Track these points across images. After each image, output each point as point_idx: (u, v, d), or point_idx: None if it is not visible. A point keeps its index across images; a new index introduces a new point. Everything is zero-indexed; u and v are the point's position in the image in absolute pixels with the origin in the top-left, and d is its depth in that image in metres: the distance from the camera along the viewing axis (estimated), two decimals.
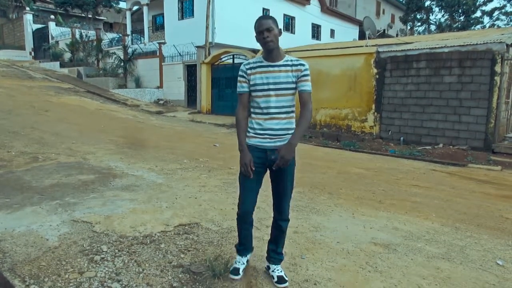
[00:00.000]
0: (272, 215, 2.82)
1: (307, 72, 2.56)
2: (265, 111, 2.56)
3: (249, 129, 2.65)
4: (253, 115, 2.62)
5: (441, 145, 10.28)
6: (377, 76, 11.47)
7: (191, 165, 6.70)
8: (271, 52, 2.54)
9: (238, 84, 2.64)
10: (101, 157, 7.03)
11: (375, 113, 11.57)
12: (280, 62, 2.56)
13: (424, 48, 10.71)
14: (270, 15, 2.58)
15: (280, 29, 2.55)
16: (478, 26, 32.60)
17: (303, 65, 2.56)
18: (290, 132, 2.58)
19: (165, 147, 8.52)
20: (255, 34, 2.55)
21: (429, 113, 10.66)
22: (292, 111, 2.62)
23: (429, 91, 10.62)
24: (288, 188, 2.67)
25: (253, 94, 2.60)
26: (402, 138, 10.96)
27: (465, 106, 10.10)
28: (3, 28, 34.32)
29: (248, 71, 2.59)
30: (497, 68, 9.58)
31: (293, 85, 2.56)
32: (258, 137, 2.59)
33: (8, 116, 10.59)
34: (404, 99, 11.06)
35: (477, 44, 9.88)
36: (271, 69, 2.55)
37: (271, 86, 2.53)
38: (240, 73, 2.63)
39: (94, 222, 3.77)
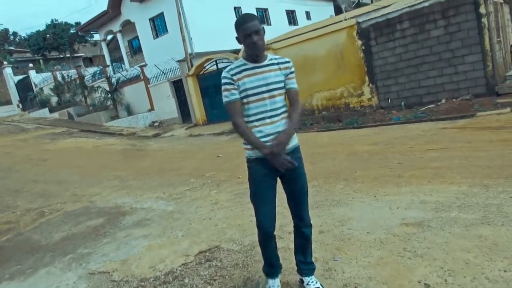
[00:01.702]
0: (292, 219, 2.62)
1: (293, 69, 2.44)
2: (261, 116, 2.35)
3: None
4: (249, 124, 2.37)
5: (443, 101, 10.01)
6: (363, 47, 11.20)
7: (199, 183, 6.49)
8: (258, 55, 2.34)
9: (227, 93, 2.35)
10: (107, 196, 6.84)
11: (370, 84, 11.31)
12: (266, 62, 2.38)
13: (403, 8, 10.43)
14: (253, 14, 2.38)
15: (263, 27, 2.35)
16: None
17: (289, 62, 2.43)
18: None
19: (169, 169, 8.32)
20: (237, 36, 2.32)
21: (424, 72, 10.39)
22: (286, 111, 2.44)
23: (418, 50, 10.35)
24: (304, 191, 2.51)
25: (245, 100, 2.35)
26: (403, 103, 10.69)
27: (459, 56, 9.82)
28: None
29: (234, 77, 2.34)
30: (482, 10, 9.30)
31: (283, 84, 2.40)
32: None
33: (8, 174, 10.42)
34: (395, 63, 10.79)
35: None
36: (258, 70, 2.34)
37: (264, 88, 2.33)
38: (225, 80, 2.35)
39: (111, 271, 3.57)
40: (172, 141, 14.29)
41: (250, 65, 2.36)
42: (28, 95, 27.28)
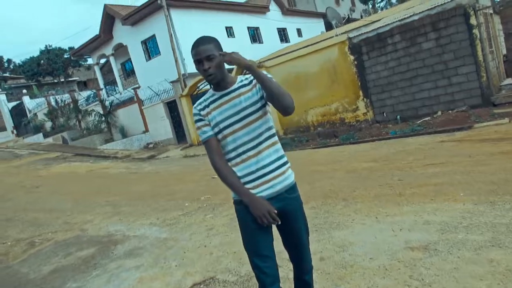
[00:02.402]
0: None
1: (269, 75, 1.99)
2: (240, 150, 2.01)
3: None
4: (230, 163, 2.05)
5: (439, 113, 9.93)
6: (355, 62, 11.17)
7: (194, 208, 6.28)
8: (218, 84, 2.04)
9: (199, 131, 2.08)
10: (99, 223, 6.61)
11: (364, 99, 11.24)
12: (235, 86, 2.04)
13: (393, 22, 10.46)
14: (212, 36, 2.04)
15: (224, 52, 2.04)
16: None
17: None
18: (283, 161, 2.06)
19: (163, 193, 8.11)
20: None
21: (417, 84, 10.35)
22: (273, 135, 2.07)
23: (411, 63, 10.33)
24: (304, 236, 2.14)
25: (219, 136, 2.04)
26: (398, 117, 10.61)
27: (452, 67, 9.80)
28: None
29: (202, 112, 2.06)
30: (473, 21, 9.31)
31: (260, 103, 2.01)
32: (249, 187, 2.01)
33: None
34: (389, 77, 10.75)
35: (444, 3, 9.63)
36: (226, 98, 2.02)
37: (235, 118, 2.00)
38: (195, 118, 2.09)
39: None
40: (167, 162, 14.08)
41: (218, 94, 2.05)
42: (22, 121, 27.17)
